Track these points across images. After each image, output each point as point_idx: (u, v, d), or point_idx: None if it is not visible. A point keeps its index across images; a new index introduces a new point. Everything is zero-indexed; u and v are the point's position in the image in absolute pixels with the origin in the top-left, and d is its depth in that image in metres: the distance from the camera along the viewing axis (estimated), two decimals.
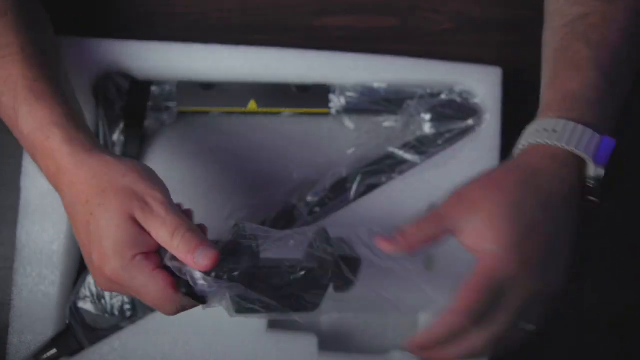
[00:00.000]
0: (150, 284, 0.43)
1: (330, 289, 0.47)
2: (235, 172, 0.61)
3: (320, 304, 0.46)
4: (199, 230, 0.44)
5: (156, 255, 0.44)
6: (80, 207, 0.44)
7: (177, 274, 0.43)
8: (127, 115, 0.60)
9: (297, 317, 0.46)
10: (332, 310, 0.47)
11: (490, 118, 0.62)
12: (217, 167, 0.62)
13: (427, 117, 0.62)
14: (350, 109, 0.61)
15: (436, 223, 0.45)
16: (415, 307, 0.59)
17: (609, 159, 0.44)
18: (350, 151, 0.63)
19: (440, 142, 0.62)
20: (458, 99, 0.62)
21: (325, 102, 0.61)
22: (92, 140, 0.46)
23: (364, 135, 0.63)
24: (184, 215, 0.45)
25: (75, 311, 0.58)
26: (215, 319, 0.58)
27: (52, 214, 0.58)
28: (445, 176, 0.61)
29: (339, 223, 0.60)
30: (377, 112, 0.62)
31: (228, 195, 0.61)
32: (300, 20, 0.65)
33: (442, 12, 0.66)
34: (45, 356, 0.57)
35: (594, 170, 0.45)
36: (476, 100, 0.62)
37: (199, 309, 0.46)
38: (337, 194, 0.61)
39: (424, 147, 0.62)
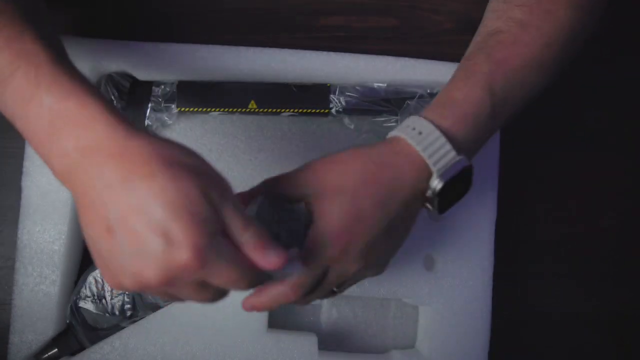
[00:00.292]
0: (239, 260, 0.39)
1: None
2: (235, 172, 0.62)
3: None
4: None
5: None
6: (127, 184, 0.37)
7: None
8: (127, 115, 0.60)
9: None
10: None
11: None
12: (217, 167, 0.61)
13: None
14: (350, 109, 0.61)
15: (291, 191, 0.46)
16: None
17: (451, 178, 0.46)
18: None
19: None
20: None
21: (325, 102, 0.61)
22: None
23: (364, 135, 0.63)
24: None
25: (76, 311, 0.58)
26: (216, 319, 0.59)
27: (53, 213, 0.58)
28: None
29: None
30: (377, 112, 0.62)
31: None
32: (300, 20, 0.65)
33: (442, 12, 0.66)
34: (46, 355, 0.58)
35: (435, 183, 0.46)
36: None
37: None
38: None
39: None
